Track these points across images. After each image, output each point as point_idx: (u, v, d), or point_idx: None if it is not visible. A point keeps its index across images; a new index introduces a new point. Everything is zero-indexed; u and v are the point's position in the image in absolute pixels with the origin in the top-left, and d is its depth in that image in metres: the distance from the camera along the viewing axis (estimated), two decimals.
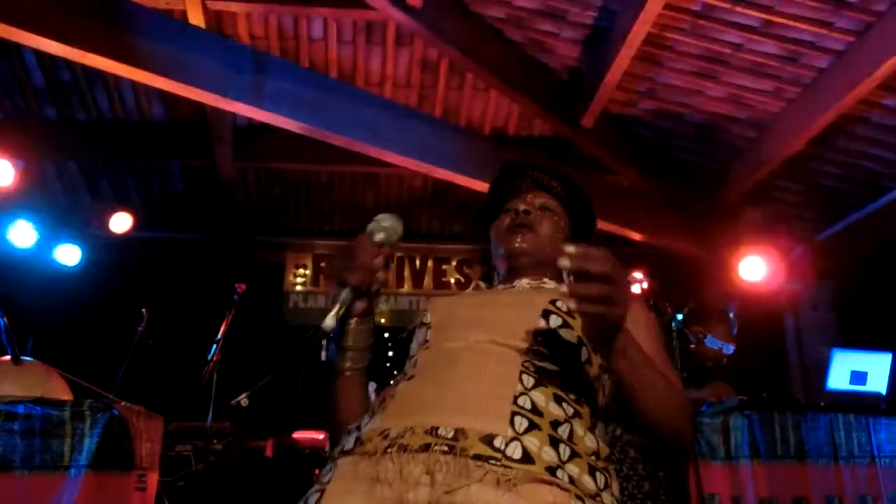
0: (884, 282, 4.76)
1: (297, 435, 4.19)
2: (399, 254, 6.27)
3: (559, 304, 1.21)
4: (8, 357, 2.77)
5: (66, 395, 2.75)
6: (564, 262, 0.96)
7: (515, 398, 1.08)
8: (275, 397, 3.54)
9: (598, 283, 0.96)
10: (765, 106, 4.33)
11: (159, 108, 5.11)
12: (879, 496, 2.51)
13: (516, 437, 1.02)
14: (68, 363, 2.90)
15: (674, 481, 2.45)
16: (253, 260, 6.25)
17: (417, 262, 6.47)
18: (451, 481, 0.98)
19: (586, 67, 4.46)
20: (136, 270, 5.70)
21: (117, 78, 4.44)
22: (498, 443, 1.01)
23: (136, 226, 5.24)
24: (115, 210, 5.20)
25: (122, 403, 2.43)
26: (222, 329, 3.72)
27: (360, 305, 1.25)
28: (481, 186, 4.57)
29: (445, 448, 1.01)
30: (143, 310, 3.63)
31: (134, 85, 4.74)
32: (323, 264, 6.39)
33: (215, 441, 3.74)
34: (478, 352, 1.17)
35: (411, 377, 1.19)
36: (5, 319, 2.82)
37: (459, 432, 1.02)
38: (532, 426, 1.04)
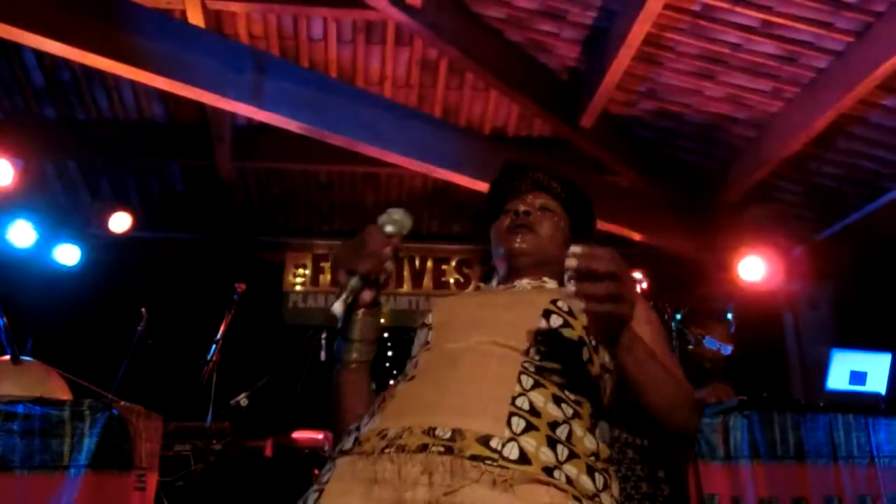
0: (883, 282, 4.76)
1: (297, 435, 4.18)
2: (399, 254, 6.27)
3: (560, 303, 1.22)
4: (7, 357, 2.77)
5: (65, 394, 2.75)
6: (571, 262, 0.98)
7: (513, 399, 1.08)
8: (274, 397, 3.54)
9: (605, 282, 0.97)
10: (764, 106, 4.34)
11: (159, 108, 5.11)
12: (879, 496, 2.51)
13: (513, 438, 1.02)
14: (68, 363, 2.90)
15: (673, 482, 2.45)
16: (252, 260, 6.25)
17: (417, 262, 6.47)
18: (450, 482, 0.98)
19: (586, 67, 4.46)
20: (136, 270, 5.70)
21: (117, 78, 4.44)
22: (494, 443, 1.01)
23: (136, 226, 5.23)
24: (114, 210, 5.19)
25: (122, 403, 2.43)
26: (222, 329, 3.71)
27: (367, 295, 1.26)
28: (481, 186, 4.57)
29: (442, 449, 1.01)
30: (143, 309, 3.62)
31: (133, 85, 4.74)
32: (323, 264, 6.39)
33: (214, 441, 3.73)
34: (479, 353, 1.17)
35: (412, 378, 1.20)
36: (5, 319, 2.82)
37: (456, 433, 1.03)
38: (529, 427, 1.05)
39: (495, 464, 0.99)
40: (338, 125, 4.25)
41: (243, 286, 3.83)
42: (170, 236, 6.16)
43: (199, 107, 4.72)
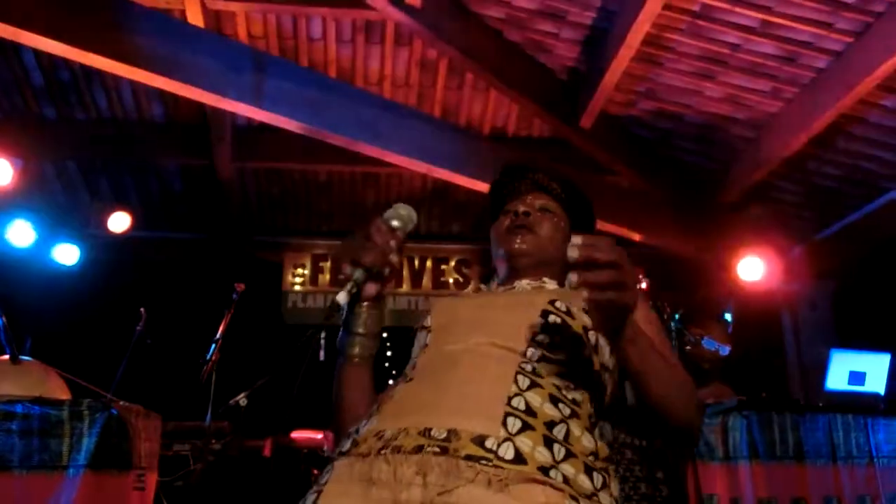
0: (882, 282, 4.77)
1: (296, 435, 4.18)
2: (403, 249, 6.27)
3: (558, 303, 1.22)
4: (6, 356, 2.77)
5: (64, 394, 2.75)
6: (573, 253, 0.98)
7: (509, 399, 1.08)
8: (273, 397, 3.54)
9: (606, 271, 0.98)
10: (764, 106, 4.34)
11: (158, 108, 5.11)
12: (878, 496, 2.51)
13: (509, 438, 1.02)
14: (67, 362, 2.90)
15: (672, 482, 2.45)
16: (252, 260, 6.25)
17: (416, 262, 6.47)
18: (444, 482, 0.98)
19: (585, 68, 4.46)
20: (135, 270, 5.70)
21: (116, 77, 4.43)
22: (490, 443, 1.01)
23: (135, 225, 5.23)
24: (113, 209, 5.19)
25: (121, 403, 2.42)
26: (221, 329, 3.71)
27: (371, 288, 1.26)
28: (480, 186, 4.57)
29: (437, 449, 1.01)
30: (142, 309, 3.62)
31: (133, 84, 4.73)
32: (322, 264, 6.39)
33: (214, 441, 3.74)
34: (477, 354, 1.17)
35: (410, 379, 1.20)
36: (4, 319, 2.82)
37: (452, 433, 1.03)
38: (525, 427, 1.05)
39: (490, 464, 0.99)
40: (337, 125, 4.25)
41: (242, 286, 3.84)
42: (169, 236, 6.16)
43: (199, 107, 4.72)
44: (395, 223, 1.28)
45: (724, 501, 2.40)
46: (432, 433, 1.04)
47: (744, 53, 3.95)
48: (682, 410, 1.16)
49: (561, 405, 1.11)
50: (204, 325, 3.85)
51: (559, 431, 1.06)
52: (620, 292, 0.99)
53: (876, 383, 3.06)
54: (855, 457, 2.57)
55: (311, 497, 1.08)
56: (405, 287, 6.41)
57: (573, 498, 1.00)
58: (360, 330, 1.28)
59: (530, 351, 1.17)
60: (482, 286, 1.48)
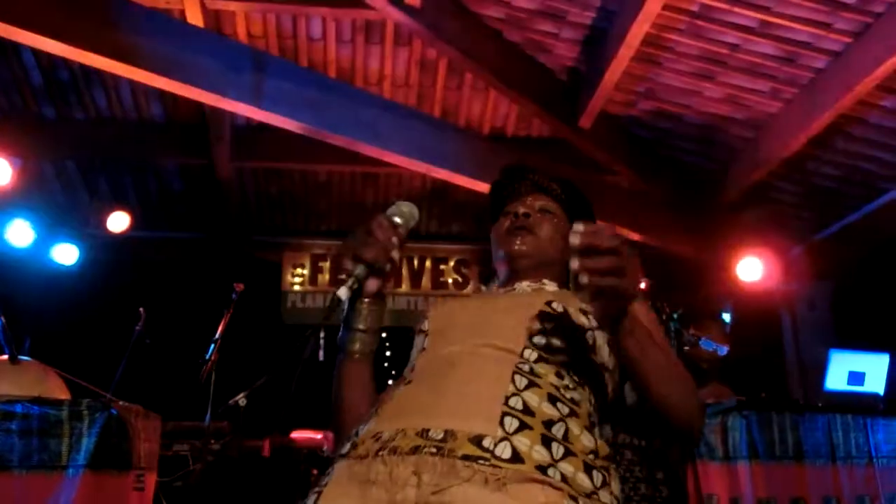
0: (881, 282, 4.77)
1: (295, 435, 4.18)
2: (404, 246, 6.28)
3: (555, 304, 1.22)
4: (5, 356, 2.77)
5: (63, 394, 2.75)
6: (574, 240, 0.99)
7: (507, 399, 1.08)
8: (272, 397, 3.54)
9: (606, 257, 0.99)
10: (763, 107, 4.34)
11: (157, 108, 5.11)
12: (877, 496, 2.51)
13: (506, 438, 1.02)
14: (66, 362, 2.90)
15: (672, 483, 2.45)
16: (251, 259, 6.25)
17: (415, 262, 6.47)
18: (438, 481, 0.98)
19: (585, 68, 4.46)
20: (134, 270, 5.70)
21: (115, 77, 4.43)
22: (487, 443, 1.01)
23: (134, 225, 5.23)
24: (112, 209, 5.19)
25: (120, 403, 2.42)
26: (220, 328, 3.71)
27: (373, 284, 1.27)
28: (480, 186, 4.57)
29: (434, 449, 1.01)
30: (141, 309, 3.62)
31: (132, 84, 4.73)
32: (321, 264, 6.39)
33: (213, 441, 3.74)
34: (475, 356, 1.17)
35: (409, 382, 1.20)
36: (3, 319, 2.82)
37: (449, 434, 1.03)
38: (523, 426, 1.04)
39: (487, 463, 0.99)
40: (337, 125, 4.25)
41: (241, 286, 3.84)
42: (168, 236, 6.16)
43: (198, 106, 4.72)
44: (397, 220, 1.29)
45: (724, 501, 2.40)
46: (429, 434, 1.04)
47: (743, 54, 3.95)
48: (683, 406, 1.15)
49: (559, 404, 1.11)
50: (203, 324, 3.85)
51: (558, 430, 1.06)
52: (619, 279, 1.00)
53: (875, 383, 3.07)
54: (854, 457, 2.57)
55: (311, 498, 1.08)
56: (404, 287, 6.41)
57: (572, 497, 0.99)
58: (361, 326, 1.28)
59: (527, 352, 1.17)
60: (482, 286, 1.48)
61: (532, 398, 1.09)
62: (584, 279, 0.99)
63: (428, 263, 6.49)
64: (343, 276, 1.21)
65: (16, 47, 4.44)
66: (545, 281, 1.37)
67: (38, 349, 3.43)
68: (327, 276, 6.35)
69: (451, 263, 6.52)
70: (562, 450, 1.04)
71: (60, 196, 5.68)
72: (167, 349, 3.85)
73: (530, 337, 1.18)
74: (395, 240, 1.26)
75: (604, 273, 0.99)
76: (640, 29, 3.64)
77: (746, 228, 5.01)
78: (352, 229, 1.27)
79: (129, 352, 3.48)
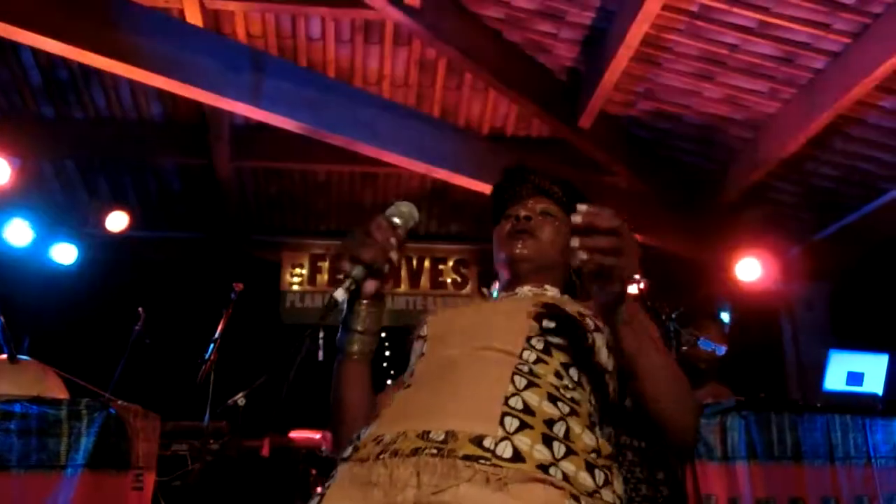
0: (880, 283, 4.78)
1: (294, 434, 4.18)
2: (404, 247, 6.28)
3: (554, 307, 1.23)
4: (4, 356, 2.77)
5: (62, 393, 2.75)
6: (576, 219, 1.00)
7: (507, 399, 1.08)
8: (271, 397, 3.54)
9: (606, 237, 1.00)
10: (762, 107, 4.34)
11: (157, 107, 5.10)
12: (875, 497, 2.52)
13: (506, 437, 1.02)
14: (65, 362, 2.90)
15: (672, 483, 2.45)
16: (250, 259, 6.25)
17: (414, 262, 6.48)
18: (438, 482, 0.98)
19: (584, 68, 4.46)
20: (133, 269, 5.70)
21: (115, 76, 4.43)
22: (487, 443, 1.01)
23: (133, 225, 5.22)
24: (111, 209, 5.19)
25: (119, 402, 2.42)
26: (219, 328, 3.71)
27: (371, 285, 1.26)
28: (479, 186, 4.57)
29: (434, 451, 1.01)
30: (140, 309, 3.62)
31: (131, 84, 4.73)
32: (320, 264, 6.39)
33: (212, 440, 3.74)
34: (475, 358, 1.18)
35: (409, 386, 1.20)
36: (2, 318, 2.81)
37: (449, 434, 1.03)
38: (523, 426, 1.04)
39: (488, 463, 0.99)
40: (336, 125, 4.24)
41: (241, 285, 3.83)
42: (167, 235, 6.15)
43: (197, 106, 4.71)
44: (396, 220, 1.28)
45: (723, 501, 2.40)
46: (430, 435, 1.04)
47: (742, 54, 3.95)
48: (678, 408, 1.15)
49: (560, 403, 1.11)
50: (202, 324, 3.85)
51: (559, 429, 1.06)
52: (618, 258, 1.01)
53: (874, 384, 3.07)
54: (853, 457, 2.57)
55: (313, 502, 1.09)
56: (403, 287, 6.42)
57: (574, 496, 0.99)
58: (359, 328, 1.27)
59: (526, 353, 1.17)
60: (484, 290, 1.49)
61: (532, 398, 1.09)
62: (582, 256, 1.00)
63: (427, 263, 6.49)
64: (341, 278, 1.21)
65: (15, 47, 4.44)
66: (547, 286, 1.37)
67: (36, 349, 3.43)
68: (326, 276, 6.35)
69: (450, 263, 6.52)
70: (563, 449, 1.04)
71: (59, 195, 5.68)
72: (166, 349, 3.85)
73: (528, 339, 1.18)
74: (393, 241, 1.25)
75: (603, 253, 1.00)
76: (639, 29, 3.64)
77: (745, 229, 5.02)
78: (350, 229, 1.26)
79: (128, 351, 3.48)
